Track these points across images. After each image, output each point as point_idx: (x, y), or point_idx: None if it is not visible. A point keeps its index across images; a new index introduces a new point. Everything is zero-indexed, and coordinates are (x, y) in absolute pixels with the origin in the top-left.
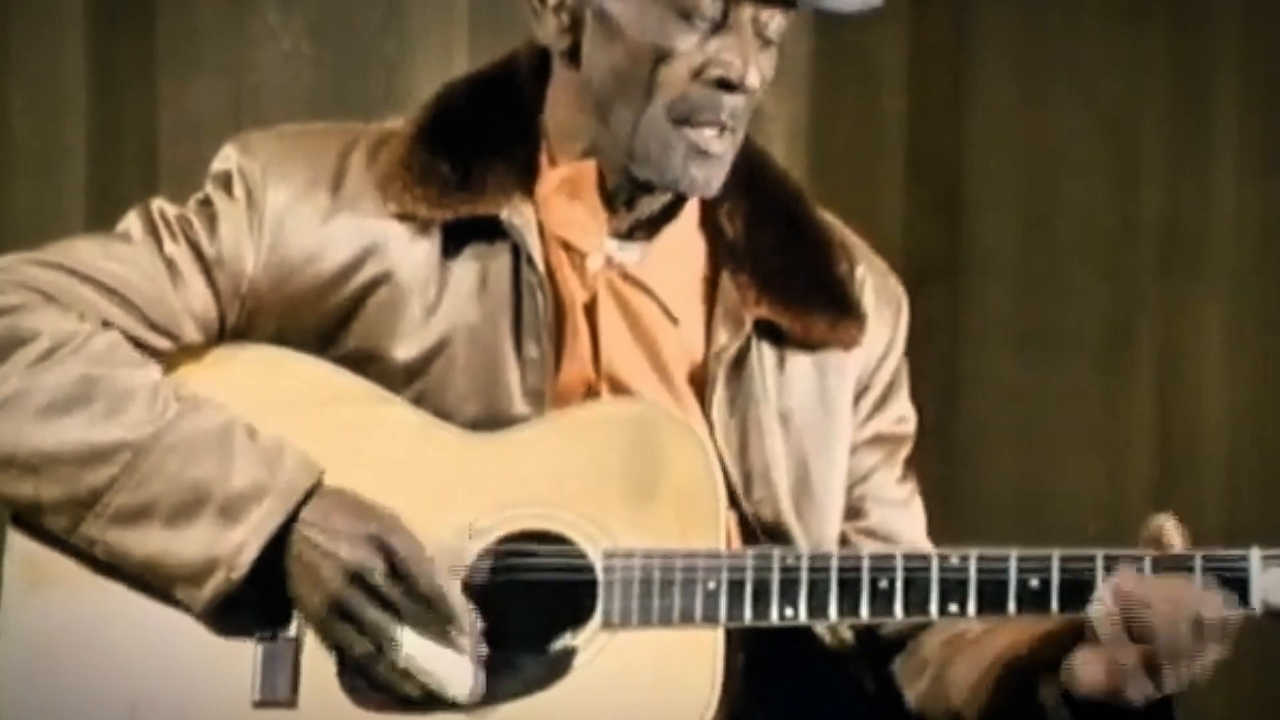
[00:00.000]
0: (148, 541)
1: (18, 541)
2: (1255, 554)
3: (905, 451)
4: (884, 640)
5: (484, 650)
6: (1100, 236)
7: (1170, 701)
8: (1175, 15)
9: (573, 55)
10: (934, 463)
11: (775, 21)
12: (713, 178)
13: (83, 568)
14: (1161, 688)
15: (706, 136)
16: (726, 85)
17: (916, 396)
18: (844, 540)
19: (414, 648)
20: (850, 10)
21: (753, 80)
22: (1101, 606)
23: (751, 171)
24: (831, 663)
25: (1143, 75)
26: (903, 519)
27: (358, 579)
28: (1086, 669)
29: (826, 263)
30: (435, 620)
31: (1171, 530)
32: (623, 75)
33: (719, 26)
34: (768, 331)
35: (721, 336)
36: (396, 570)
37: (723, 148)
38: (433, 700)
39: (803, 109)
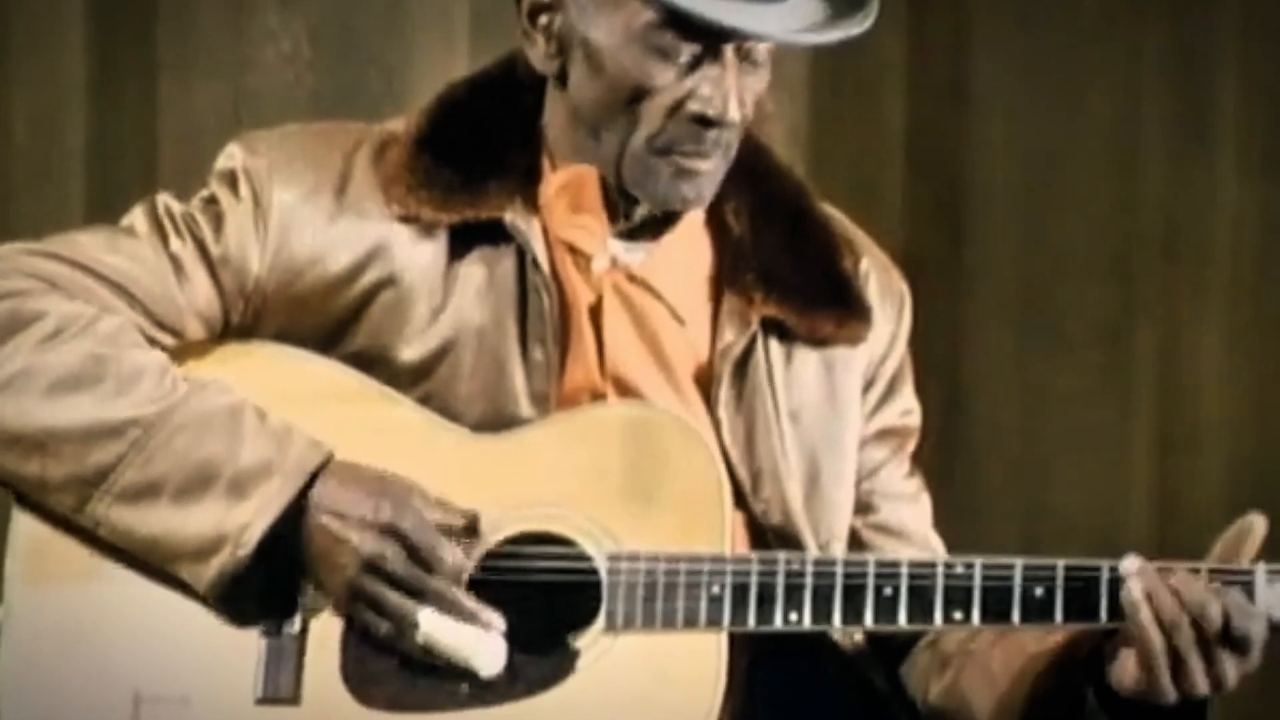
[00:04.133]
0: (154, 519)
1: (22, 534)
2: (1260, 568)
3: (912, 445)
4: (895, 639)
5: (503, 623)
6: (1100, 236)
7: (1205, 706)
8: (1175, 15)
9: (562, 79)
10: (934, 461)
11: (763, 45)
12: (704, 191)
13: (87, 561)
14: (1186, 689)
15: (691, 161)
16: (705, 121)
17: (917, 396)
18: (853, 536)
19: (434, 627)
20: (832, 41)
21: (732, 115)
22: (1129, 595)
23: (755, 169)
24: (838, 663)
25: (1143, 75)
26: (911, 513)
27: (372, 566)
28: (1120, 665)
29: (831, 259)
30: (460, 596)
31: (1256, 534)
32: (606, 105)
33: (699, 62)
34: (775, 329)
35: (727, 334)
36: (415, 552)
37: (711, 165)
38: (464, 687)
39: (803, 109)
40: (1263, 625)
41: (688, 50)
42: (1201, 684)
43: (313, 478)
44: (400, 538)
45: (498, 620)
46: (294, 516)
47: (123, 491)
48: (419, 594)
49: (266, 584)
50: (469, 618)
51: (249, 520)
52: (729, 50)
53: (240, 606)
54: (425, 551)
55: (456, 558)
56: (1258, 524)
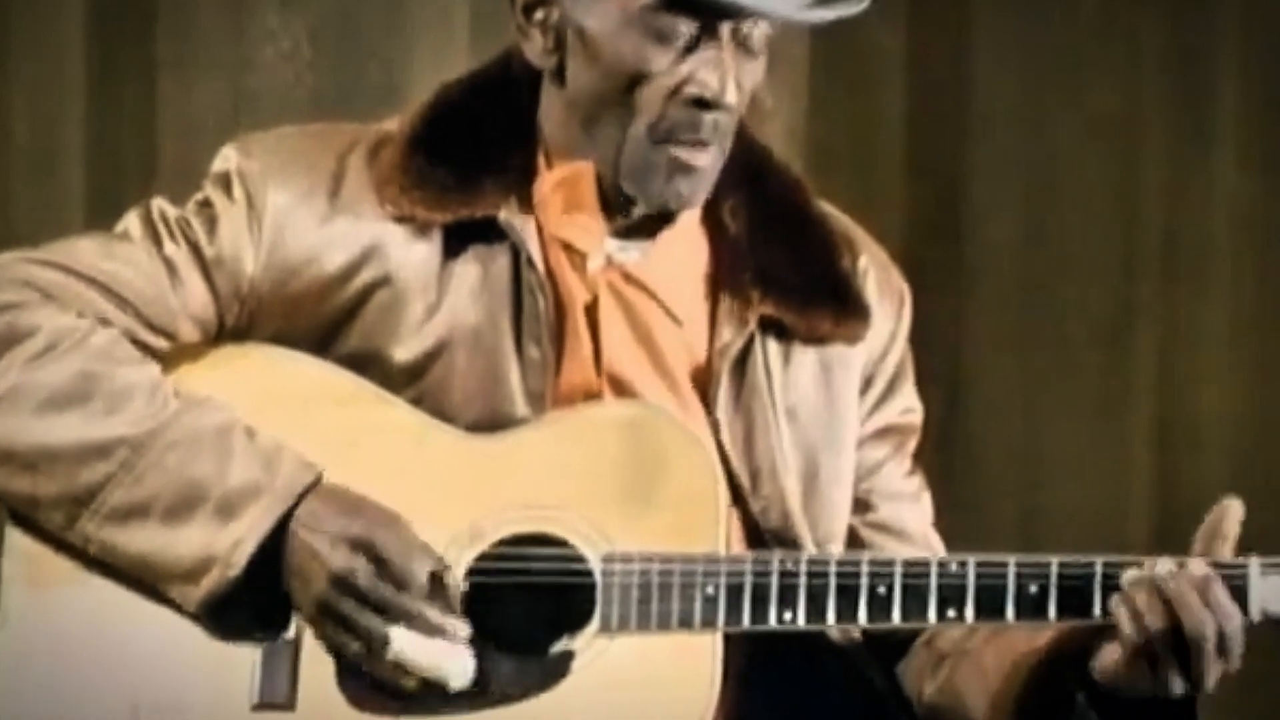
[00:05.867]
0: (143, 539)
1: (18, 541)
2: (1254, 562)
3: (913, 443)
4: (893, 637)
5: (468, 632)
6: (1100, 236)
7: (1194, 704)
8: (1175, 15)
9: (559, 74)
10: (934, 460)
11: (759, 31)
12: (697, 191)
13: (83, 568)
14: (1164, 688)
15: (689, 152)
16: (703, 104)
17: (917, 394)
18: (852, 535)
19: (405, 642)
20: (825, 20)
21: (730, 98)
22: (1120, 597)
23: (753, 167)
24: (835, 661)
25: (1143, 75)
26: (910, 512)
27: (341, 582)
28: (1105, 657)
29: (829, 258)
30: (428, 611)
31: (1233, 515)
32: (604, 96)
33: (696, 44)
34: (772, 328)
35: (725, 334)
36: (384, 568)
37: (706, 161)
38: (430, 692)
39: (802, 109)
40: (1238, 624)
41: (685, 31)
42: (1178, 686)
43: (301, 497)
44: (370, 551)
45: (464, 630)
46: (281, 536)
47: (112, 511)
48: (387, 611)
49: (257, 604)
50: (438, 632)
51: (238, 541)
52: (725, 33)
53: (231, 625)
54: (395, 566)
55: (427, 575)
56: (1233, 507)
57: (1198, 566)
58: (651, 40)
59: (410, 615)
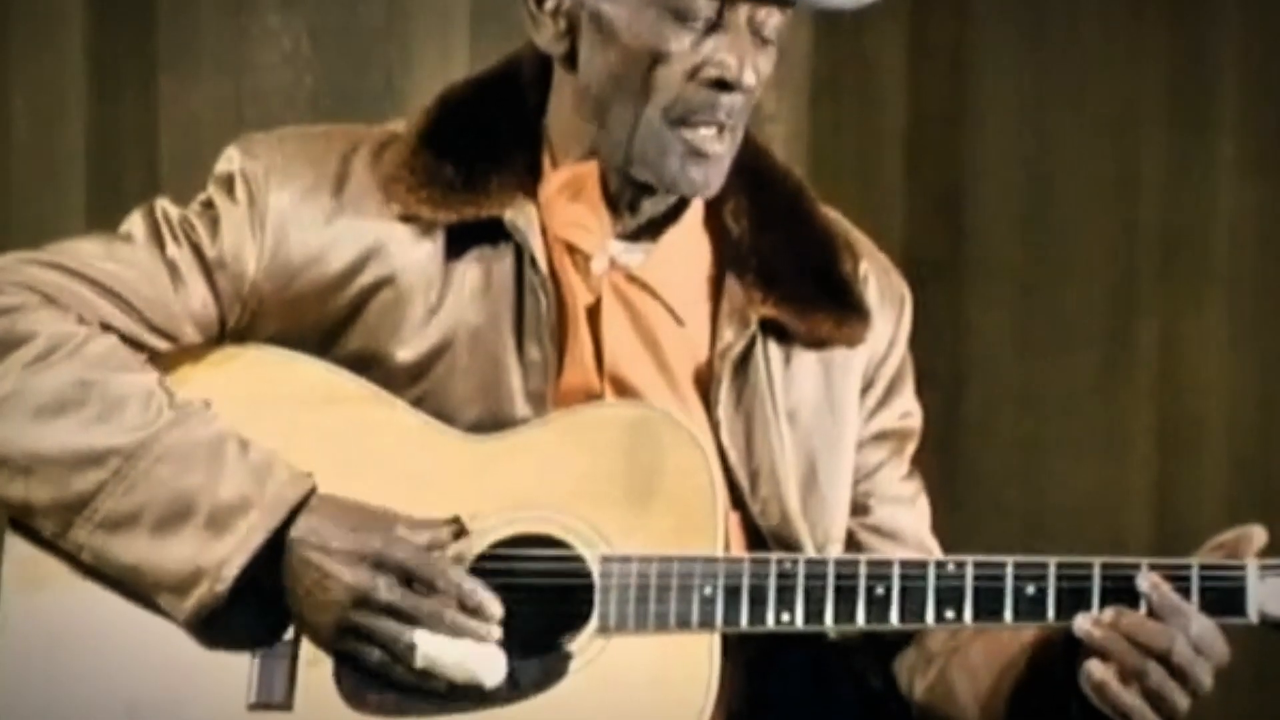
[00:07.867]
0: (133, 549)
1: (17, 542)
2: (1252, 564)
3: (911, 447)
4: (890, 635)
5: (499, 632)
6: (1100, 236)
7: None
8: (1175, 15)
9: (570, 60)
10: (933, 461)
11: (772, 20)
12: (711, 178)
13: (81, 569)
14: (1169, 713)
15: (703, 136)
16: (723, 85)
17: (917, 396)
18: (849, 537)
19: (432, 647)
20: (848, 7)
21: (749, 79)
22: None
23: (754, 170)
24: (833, 660)
25: (1143, 75)
26: (907, 516)
27: (365, 600)
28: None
29: (831, 261)
30: (459, 613)
31: (1253, 542)
32: (619, 78)
33: (714, 27)
34: (773, 330)
35: (727, 335)
36: (411, 579)
37: (721, 148)
38: (457, 693)
39: (803, 109)
40: (1181, 647)
41: (705, 12)
42: (1183, 704)
43: (293, 513)
44: (393, 568)
45: (494, 630)
46: (274, 553)
47: (104, 519)
48: (414, 619)
49: (248, 615)
50: (466, 633)
51: (226, 556)
52: (741, 19)
53: (223, 635)
54: (422, 576)
55: (453, 576)
56: (1257, 534)
57: (1117, 615)
58: (670, 20)
59: (438, 618)
